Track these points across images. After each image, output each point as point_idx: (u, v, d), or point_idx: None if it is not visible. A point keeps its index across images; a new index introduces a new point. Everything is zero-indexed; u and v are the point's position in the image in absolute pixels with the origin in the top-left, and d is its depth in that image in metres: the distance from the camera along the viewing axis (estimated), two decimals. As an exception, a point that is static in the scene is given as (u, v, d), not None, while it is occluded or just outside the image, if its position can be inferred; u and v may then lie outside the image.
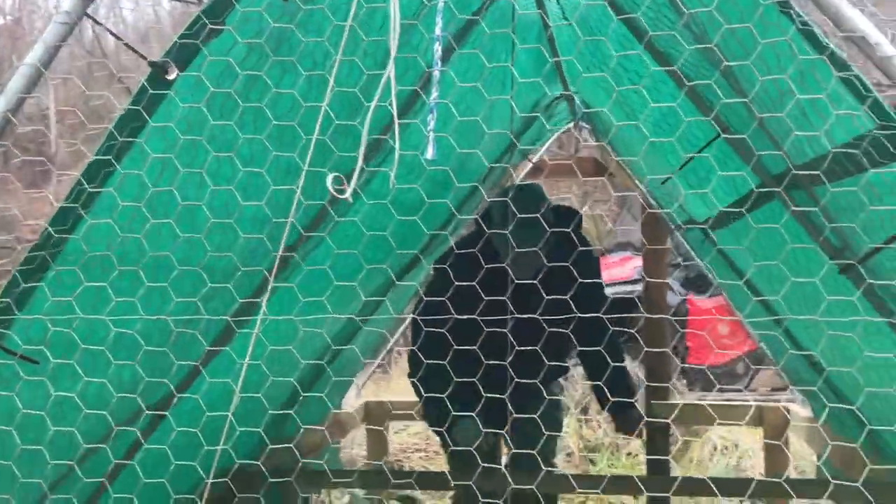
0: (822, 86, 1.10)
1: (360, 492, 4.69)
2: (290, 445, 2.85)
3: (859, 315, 1.75)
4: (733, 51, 1.47)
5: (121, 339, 1.52)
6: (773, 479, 3.58)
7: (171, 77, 1.25)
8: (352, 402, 4.44)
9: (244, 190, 1.47)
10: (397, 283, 2.85)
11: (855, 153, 1.18)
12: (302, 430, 3.31)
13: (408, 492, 4.11)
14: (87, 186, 1.18)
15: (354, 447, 5.38)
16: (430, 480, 3.26)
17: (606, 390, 2.77)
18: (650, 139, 2.31)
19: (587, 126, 3.83)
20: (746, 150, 1.88)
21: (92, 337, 1.43)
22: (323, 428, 3.64)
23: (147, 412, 1.88)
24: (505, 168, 3.69)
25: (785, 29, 1.08)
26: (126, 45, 1.53)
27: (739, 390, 6.88)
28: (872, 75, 1.18)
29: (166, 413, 1.93)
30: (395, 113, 1.03)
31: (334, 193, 1.06)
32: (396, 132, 1.04)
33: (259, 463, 2.15)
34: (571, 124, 4.00)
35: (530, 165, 4.22)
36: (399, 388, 6.41)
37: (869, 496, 1.80)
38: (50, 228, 1.19)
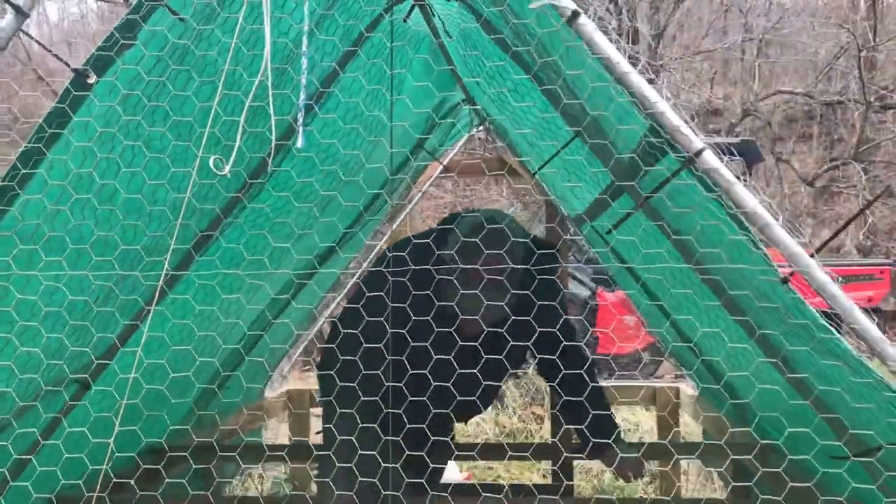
0: (617, 98, 1.44)
1: (282, 475, 4.90)
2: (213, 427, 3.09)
3: (688, 284, 2.09)
4: (568, 64, 1.80)
5: (47, 307, 1.75)
6: (660, 441, 4.01)
7: (90, 81, 1.51)
8: (275, 390, 4.66)
9: (157, 179, 1.73)
10: (314, 270, 3.07)
11: (641, 148, 1.52)
12: (218, 414, 3.54)
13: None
14: (20, 169, 1.43)
15: (280, 437, 5.59)
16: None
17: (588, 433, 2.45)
18: (528, 141, 2.64)
19: (490, 129, 4.17)
20: (598, 148, 2.22)
21: (22, 303, 1.66)
22: (244, 412, 3.88)
23: (72, 380, 2.10)
24: (414, 166, 3.99)
25: (583, 58, 1.41)
26: (52, 53, 1.66)
27: (636, 376, 7.36)
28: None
29: (90, 384, 2.16)
30: (272, 111, 1.31)
31: (216, 171, 1.33)
32: (272, 125, 1.33)
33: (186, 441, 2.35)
34: (479, 127, 4.35)
35: (440, 167, 4.56)
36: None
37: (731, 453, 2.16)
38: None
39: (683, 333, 2.97)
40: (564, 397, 2.46)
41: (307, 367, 8.66)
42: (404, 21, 2.14)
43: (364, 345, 2.04)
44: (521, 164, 4.43)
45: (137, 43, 1.41)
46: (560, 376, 2.37)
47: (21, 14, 1.31)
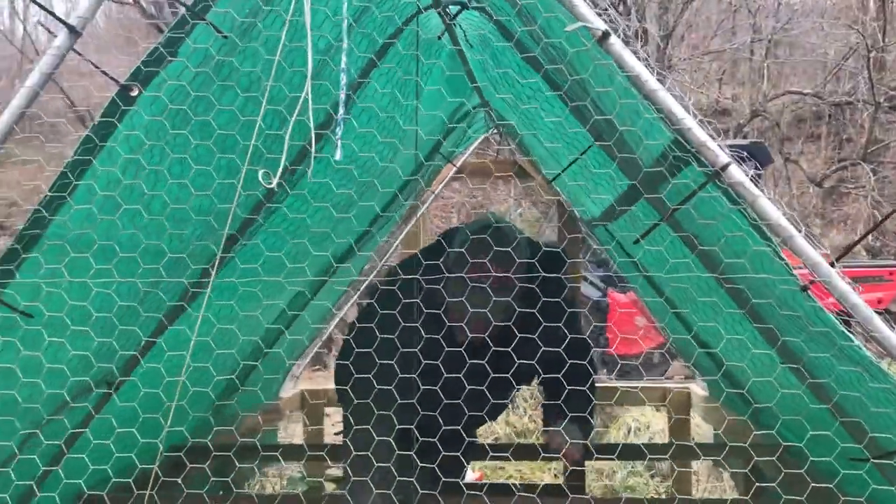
0: (644, 114, 1.50)
1: (297, 474, 4.98)
2: (231, 428, 3.16)
3: (707, 288, 2.14)
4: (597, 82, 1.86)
5: (86, 310, 1.82)
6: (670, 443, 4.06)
7: (133, 95, 1.57)
8: (288, 391, 4.73)
9: (193, 185, 1.79)
10: (335, 265, 3.11)
11: (667, 160, 1.57)
12: (240, 414, 3.61)
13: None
14: (71, 178, 1.49)
15: (295, 437, 5.65)
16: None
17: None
18: (545, 144, 2.69)
19: (503, 132, 4.24)
20: (624, 161, 2.28)
21: (65, 305, 1.73)
22: (257, 414, 3.94)
23: (107, 380, 2.16)
24: (431, 167, 4.05)
25: (612, 75, 1.46)
26: (102, 70, 1.67)
27: (655, 378, 7.40)
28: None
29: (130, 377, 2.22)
30: (311, 125, 1.37)
31: (263, 184, 1.39)
32: (312, 141, 1.38)
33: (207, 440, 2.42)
34: (493, 130, 4.42)
35: (454, 169, 4.62)
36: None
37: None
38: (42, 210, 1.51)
39: (702, 340, 3.02)
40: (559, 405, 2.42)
41: (317, 368, 8.74)
42: (439, 38, 2.20)
43: (377, 360, 2.07)
44: (531, 164, 4.50)
45: (181, 59, 1.47)
46: (564, 394, 2.33)
47: (74, 33, 1.36)
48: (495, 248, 2.11)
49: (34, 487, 2.26)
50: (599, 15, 1.23)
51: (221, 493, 2.85)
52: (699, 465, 5.12)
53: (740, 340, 1.85)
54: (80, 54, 1.33)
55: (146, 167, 1.58)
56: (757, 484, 2.00)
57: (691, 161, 1.46)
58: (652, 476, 5.58)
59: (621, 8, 12.57)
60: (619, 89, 1.39)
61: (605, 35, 1.24)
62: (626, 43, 1.25)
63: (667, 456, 3.72)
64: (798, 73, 17.21)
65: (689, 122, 1.25)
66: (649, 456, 3.63)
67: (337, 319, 5.16)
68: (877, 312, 1.24)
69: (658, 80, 1.28)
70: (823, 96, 15.53)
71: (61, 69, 1.44)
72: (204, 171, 1.63)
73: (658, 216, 1.82)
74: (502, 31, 2.31)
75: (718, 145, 1.25)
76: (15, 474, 1.97)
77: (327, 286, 3.67)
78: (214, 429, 3.06)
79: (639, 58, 1.24)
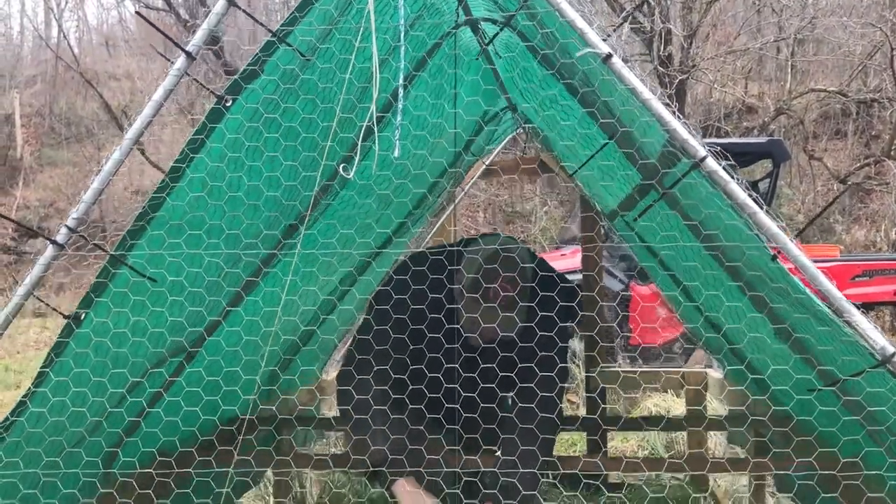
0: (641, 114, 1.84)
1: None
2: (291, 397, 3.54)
3: (714, 275, 2.47)
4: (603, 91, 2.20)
5: (181, 284, 2.20)
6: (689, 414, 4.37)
7: (228, 104, 1.95)
8: (330, 374, 5.11)
9: (271, 179, 2.17)
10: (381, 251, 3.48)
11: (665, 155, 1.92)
12: (299, 385, 4.00)
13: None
14: (168, 182, 1.88)
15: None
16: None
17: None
18: (564, 142, 3.04)
19: (529, 131, 4.59)
20: (628, 155, 2.62)
21: (166, 280, 2.11)
22: (313, 387, 4.33)
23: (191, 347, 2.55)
24: (464, 164, 4.41)
25: (615, 87, 1.80)
26: (214, 93, 1.91)
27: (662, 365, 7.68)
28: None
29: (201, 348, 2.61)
30: (375, 126, 1.73)
31: (343, 174, 1.75)
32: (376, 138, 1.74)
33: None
34: (519, 130, 4.77)
35: (483, 167, 4.98)
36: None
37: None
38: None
39: (693, 297, 3.35)
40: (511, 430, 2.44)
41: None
42: (477, 58, 2.53)
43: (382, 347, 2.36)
44: (553, 160, 4.83)
45: (265, 76, 1.84)
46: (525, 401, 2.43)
47: (190, 58, 1.74)
48: (504, 273, 2.39)
49: (118, 450, 2.64)
50: (604, 40, 1.58)
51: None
52: (714, 446, 5.38)
53: (718, 296, 2.18)
54: (202, 84, 1.69)
55: (234, 164, 1.96)
56: (775, 450, 2.30)
57: (680, 154, 1.80)
58: (670, 457, 5.85)
59: (645, 8, 12.81)
60: (619, 98, 1.73)
61: (609, 56, 1.59)
62: (626, 62, 1.60)
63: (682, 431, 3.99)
64: (825, 70, 17.28)
65: (675, 123, 1.59)
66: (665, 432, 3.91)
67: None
68: (891, 304, 1.55)
69: (650, 90, 1.62)
70: (848, 93, 15.61)
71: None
72: (281, 165, 2.00)
73: (657, 198, 2.16)
74: (530, 50, 2.66)
75: (698, 142, 1.59)
76: (104, 434, 2.34)
77: (369, 271, 4.05)
78: (280, 396, 3.44)
79: (635, 74, 1.59)
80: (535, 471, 2.36)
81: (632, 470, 3.42)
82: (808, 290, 1.59)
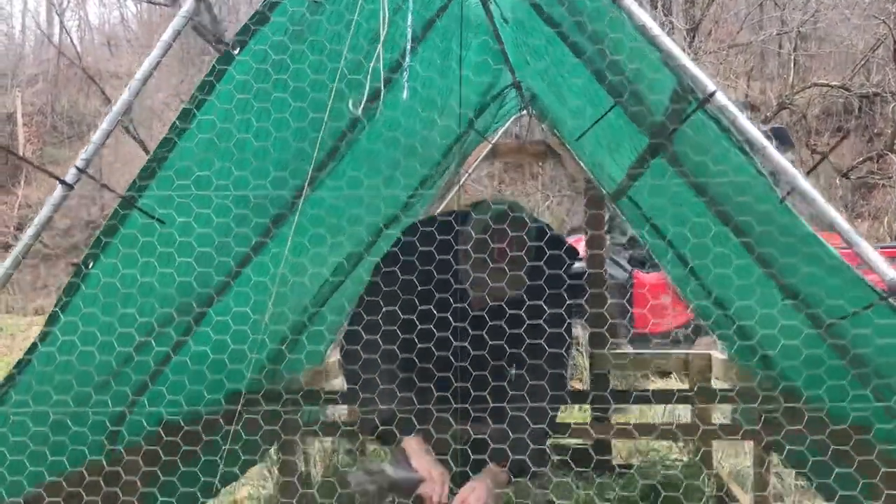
0: (651, 59, 1.84)
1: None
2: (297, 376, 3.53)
3: (728, 249, 2.45)
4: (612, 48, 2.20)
5: (190, 244, 2.20)
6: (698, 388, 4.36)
7: (235, 53, 1.95)
8: (332, 356, 5.12)
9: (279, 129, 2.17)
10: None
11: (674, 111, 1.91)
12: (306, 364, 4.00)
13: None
14: (178, 125, 1.88)
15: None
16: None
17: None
18: (573, 102, 3.03)
19: (534, 112, 4.58)
20: (633, 114, 2.62)
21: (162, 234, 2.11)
22: (318, 367, 4.33)
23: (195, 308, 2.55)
24: (469, 141, 4.40)
25: (632, 35, 1.80)
26: (215, 45, 1.87)
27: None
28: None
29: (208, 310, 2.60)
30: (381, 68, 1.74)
31: (353, 112, 1.75)
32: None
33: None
34: (523, 111, 4.76)
35: (489, 146, 4.98)
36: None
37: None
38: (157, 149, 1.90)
39: (700, 276, 3.34)
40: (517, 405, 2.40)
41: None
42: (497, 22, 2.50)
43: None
44: (561, 145, 4.83)
45: (273, 18, 1.84)
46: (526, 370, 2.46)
47: (199, 1, 1.74)
48: (512, 234, 2.41)
49: (125, 410, 2.64)
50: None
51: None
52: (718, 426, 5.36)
53: (726, 254, 2.18)
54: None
55: (240, 116, 1.96)
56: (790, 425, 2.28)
57: (689, 97, 1.80)
58: (676, 440, 5.85)
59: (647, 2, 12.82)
60: (628, 38, 1.73)
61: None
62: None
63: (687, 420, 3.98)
64: (827, 65, 17.28)
65: (685, 59, 1.60)
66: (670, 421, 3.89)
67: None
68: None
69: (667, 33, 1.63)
70: (851, 88, 15.60)
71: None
72: (290, 106, 2.01)
73: (665, 154, 2.16)
74: (535, 9, 2.66)
75: (709, 79, 1.60)
76: (112, 393, 2.34)
77: (375, 250, 4.05)
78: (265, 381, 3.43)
79: (644, 9, 1.59)
80: (545, 425, 2.40)
81: (625, 436, 3.40)
82: (815, 232, 1.59)
